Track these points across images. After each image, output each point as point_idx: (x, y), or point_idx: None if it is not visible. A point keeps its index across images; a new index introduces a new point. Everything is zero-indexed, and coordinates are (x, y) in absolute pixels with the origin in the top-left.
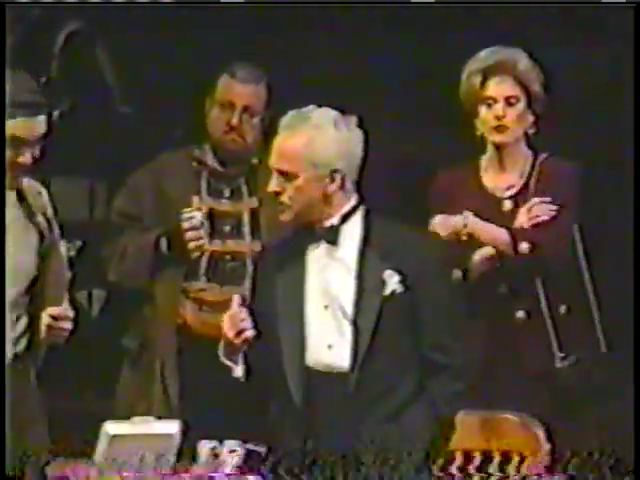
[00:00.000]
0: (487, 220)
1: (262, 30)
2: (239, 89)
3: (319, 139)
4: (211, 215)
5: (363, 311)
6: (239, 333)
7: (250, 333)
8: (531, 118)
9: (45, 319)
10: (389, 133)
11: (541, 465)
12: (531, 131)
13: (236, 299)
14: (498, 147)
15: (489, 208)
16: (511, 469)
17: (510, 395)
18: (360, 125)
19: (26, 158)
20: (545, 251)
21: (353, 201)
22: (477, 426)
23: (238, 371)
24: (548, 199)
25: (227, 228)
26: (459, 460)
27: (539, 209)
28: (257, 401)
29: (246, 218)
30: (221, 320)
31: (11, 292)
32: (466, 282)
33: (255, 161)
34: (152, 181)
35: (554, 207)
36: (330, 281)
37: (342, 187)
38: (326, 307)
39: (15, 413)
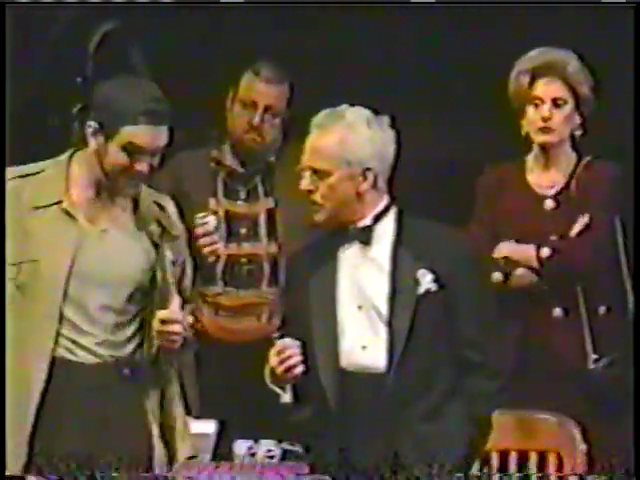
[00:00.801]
0: (529, 218)
1: (287, 29)
2: (262, 88)
3: (352, 137)
4: (227, 217)
5: (397, 311)
6: (288, 369)
7: (300, 370)
8: (578, 120)
9: (156, 325)
10: (432, 133)
11: (578, 466)
12: (578, 133)
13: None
14: (543, 147)
15: (531, 207)
16: (550, 469)
17: (544, 394)
18: (392, 125)
19: (143, 166)
20: (574, 253)
21: (385, 201)
22: (513, 426)
23: (286, 397)
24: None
25: (243, 230)
26: (496, 460)
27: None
28: (279, 404)
29: (262, 220)
30: (238, 324)
31: (112, 297)
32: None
33: (272, 159)
34: (170, 181)
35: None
36: (363, 281)
37: (374, 186)
38: (360, 307)
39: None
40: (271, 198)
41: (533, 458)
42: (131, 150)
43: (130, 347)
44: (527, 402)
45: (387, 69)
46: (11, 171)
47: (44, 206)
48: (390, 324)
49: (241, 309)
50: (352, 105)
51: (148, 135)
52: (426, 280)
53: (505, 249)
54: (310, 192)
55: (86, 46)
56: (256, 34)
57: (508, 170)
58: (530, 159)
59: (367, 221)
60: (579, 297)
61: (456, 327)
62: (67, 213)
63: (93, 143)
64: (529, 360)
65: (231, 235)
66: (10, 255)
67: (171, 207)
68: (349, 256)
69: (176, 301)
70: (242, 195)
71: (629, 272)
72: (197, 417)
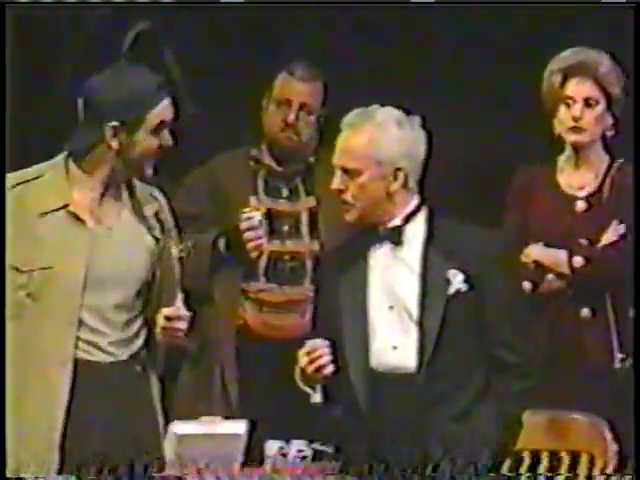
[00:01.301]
0: (559, 220)
1: (321, 29)
2: (297, 87)
3: (383, 137)
4: (269, 215)
5: (428, 311)
6: (318, 369)
7: (330, 370)
8: (610, 121)
9: (160, 321)
10: (464, 134)
11: (610, 466)
12: (609, 133)
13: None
14: (575, 147)
15: (562, 208)
16: (581, 470)
17: (573, 394)
18: (423, 125)
19: (168, 140)
20: (606, 262)
21: (416, 201)
22: (544, 426)
23: (316, 397)
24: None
25: (285, 228)
26: (527, 460)
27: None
28: (310, 404)
29: (304, 218)
30: (282, 321)
31: (123, 294)
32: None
33: (312, 160)
34: (210, 181)
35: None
36: (394, 282)
37: (405, 186)
38: (391, 308)
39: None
40: (312, 197)
41: (565, 459)
42: (160, 130)
43: (138, 343)
44: (555, 401)
45: (419, 69)
46: (11, 178)
47: (51, 211)
48: (420, 324)
49: (285, 305)
50: (383, 105)
51: (169, 107)
52: (457, 280)
53: (534, 252)
54: (341, 191)
55: (119, 46)
56: (290, 34)
57: (538, 171)
58: (562, 160)
59: (397, 221)
60: (607, 299)
61: (487, 327)
62: (74, 216)
63: (115, 143)
64: (557, 359)
65: (273, 232)
66: (19, 263)
67: (163, 200)
68: (380, 256)
69: (180, 297)
70: (284, 193)
71: None
72: (237, 416)
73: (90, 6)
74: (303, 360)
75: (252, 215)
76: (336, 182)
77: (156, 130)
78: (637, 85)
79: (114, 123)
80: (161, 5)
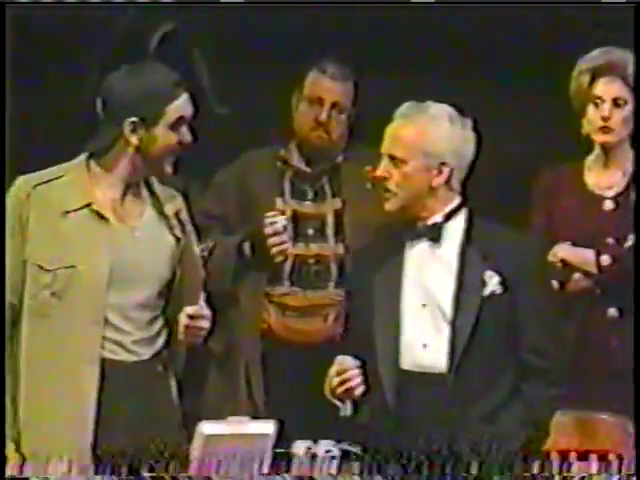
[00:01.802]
0: (586, 219)
1: (352, 27)
2: (329, 85)
3: (434, 130)
4: (294, 217)
5: (462, 311)
6: (348, 390)
7: (360, 391)
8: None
9: (183, 319)
10: (492, 134)
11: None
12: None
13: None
14: (604, 147)
15: (590, 207)
16: (611, 470)
17: (600, 394)
18: (475, 128)
19: (188, 137)
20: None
21: (457, 200)
22: (572, 426)
23: (346, 411)
24: None
25: (310, 231)
26: (556, 461)
27: None
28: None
29: (330, 220)
30: (304, 325)
31: (146, 293)
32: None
33: (340, 159)
34: (237, 181)
35: None
36: (429, 280)
37: (448, 182)
38: (424, 306)
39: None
40: (338, 199)
41: (594, 460)
42: (178, 125)
43: (160, 342)
44: (583, 401)
45: (447, 68)
46: (32, 178)
47: (74, 210)
48: (453, 323)
49: (308, 309)
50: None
51: (187, 103)
52: (493, 282)
53: (562, 252)
54: (384, 179)
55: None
56: (320, 32)
57: (565, 171)
58: (590, 159)
59: (437, 218)
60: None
61: (519, 331)
62: (98, 214)
63: (135, 139)
64: (585, 359)
65: (299, 235)
66: (44, 262)
67: (181, 201)
68: (416, 253)
69: (203, 296)
70: (309, 195)
71: None
72: (255, 417)
73: (90, 6)
74: (334, 381)
75: (276, 220)
76: (381, 169)
77: (175, 125)
78: (637, 85)
79: (133, 119)
80: (189, 5)
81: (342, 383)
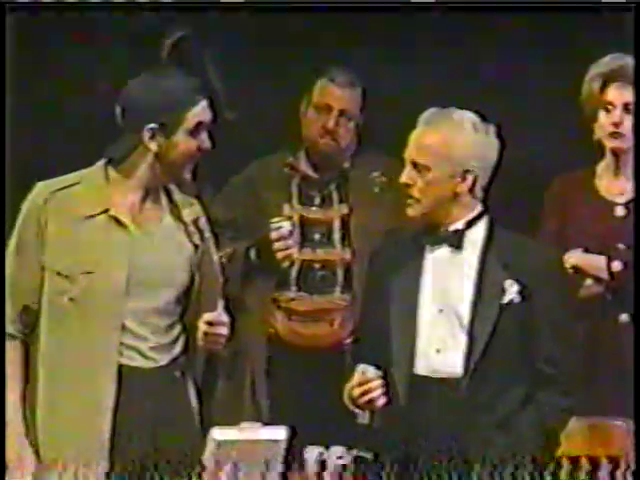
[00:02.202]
0: (598, 225)
1: (360, 34)
2: (337, 93)
3: (458, 137)
4: (301, 223)
5: (480, 318)
6: (370, 402)
7: (381, 402)
8: None
9: (201, 326)
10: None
11: None
12: None
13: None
14: (615, 153)
15: (601, 213)
16: (620, 476)
17: (612, 399)
18: (499, 134)
19: (207, 143)
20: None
21: (479, 208)
22: (584, 432)
23: (364, 419)
24: None
25: (317, 236)
26: (566, 466)
27: None
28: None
29: (336, 226)
30: (311, 329)
31: (163, 299)
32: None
33: (347, 166)
34: (246, 188)
35: None
36: (448, 285)
37: (471, 189)
38: (440, 311)
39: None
40: (345, 204)
41: (605, 465)
42: (198, 131)
43: (177, 348)
44: (595, 407)
45: (459, 75)
46: (50, 184)
47: (92, 215)
48: (471, 329)
49: (314, 314)
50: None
51: (207, 109)
52: (512, 290)
53: (574, 258)
54: (407, 186)
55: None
56: (328, 39)
57: (577, 178)
58: (601, 166)
59: (459, 225)
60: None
61: (535, 340)
62: (116, 220)
63: (154, 145)
64: (596, 364)
65: (305, 241)
66: (61, 268)
67: (199, 208)
68: (436, 258)
69: (221, 303)
70: (316, 201)
71: None
72: (267, 423)
73: (90, 6)
74: (355, 391)
75: (282, 225)
76: (404, 176)
77: (194, 132)
78: (637, 85)
79: (152, 125)
80: (199, 10)
81: (364, 393)
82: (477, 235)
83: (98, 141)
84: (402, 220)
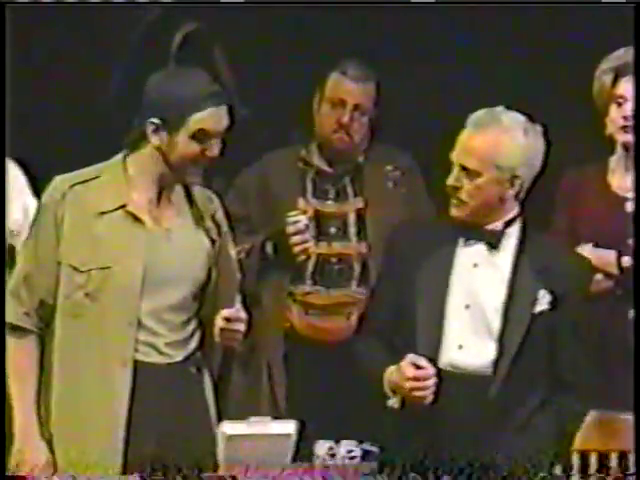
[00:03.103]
0: (608, 220)
1: (372, 28)
2: (350, 87)
3: (507, 143)
4: (317, 217)
5: (511, 324)
6: (420, 397)
7: (430, 400)
8: None
9: (219, 322)
10: None
11: None
12: None
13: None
14: (626, 147)
15: (613, 208)
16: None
17: (622, 394)
18: (545, 134)
19: (214, 151)
20: None
21: (517, 209)
22: (594, 426)
23: (395, 403)
24: None
25: (333, 230)
26: (577, 461)
27: None
28: (368, 401)
29: (352, 219)
30: (327, 323)
31: (180, 295)
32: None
33: (361, 160)
34: (258, 181)
35: None
36: (478, 282)
37: (518, 194)
38: (467, 307)
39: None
40: (360, 198)
41: (614, 459)
42: (201, 137)
43: (193, 344)
44: (605, 402)
45: (467, 68)
46: (68, 178)
47: (109, 211)
48: (502, 334)
49: (330, 308)
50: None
51: (216, 117)
52: (544, 301)
53: (584, 253)
54: (455, 189)
55: (168, 47)
56: (340, 34)
57: (588, 172)
58: (613, 160)
59: (498, 225)
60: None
61: (557, 346)
62: (133, 216)
63: (156, 140)
64: (606, 359)
65: (321, 234)
66: (78, 263)
67: (218, 203)
68: (471, 255)
69: (239, 299)
70: (331, 195)
71: None
72: (277, 417)
73: (90, 6)
74: (407, 383)
75: (298, 219)
76: (452, 179)
77: (197, 136)
78: (637, 85)
79: (154, 120)
80: (210, 5)
81: (417, 389)
82: (512, 236)
83: (98, 141)
84: (435, 216)
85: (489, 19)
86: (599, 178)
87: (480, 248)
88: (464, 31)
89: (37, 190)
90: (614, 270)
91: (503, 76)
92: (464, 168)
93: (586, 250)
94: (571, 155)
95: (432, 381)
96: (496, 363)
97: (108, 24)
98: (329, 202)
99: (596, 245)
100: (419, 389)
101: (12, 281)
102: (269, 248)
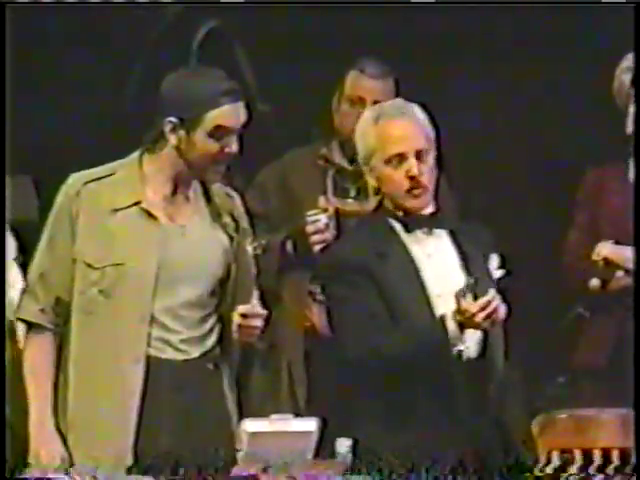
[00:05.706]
0: (630, 218)
1: (390, 26)
2: (369, 84)
3: (425, 123)
4: (337, 215)
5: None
6: (490, 315)
7: (503, 310)
8: None
9: (236, 318)
10: (534, 134)
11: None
12: None
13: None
14: None
15: (632, 206)
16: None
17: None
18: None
19: (232, 148)
20: None
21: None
22: (573, 425)
23: (468, 348)
24: None
25: None
26: (556, 460)
27: None
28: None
29: None
30: None
31: (196, 292)
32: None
33: None
34: (279, 179)
35: None
36: (439, 269)
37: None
38: (439, 296)
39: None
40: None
41: (597, 457)
42: (219, 134)
43: (211, 341)
44: (621, 399)
45: (483, 66)
46: (84, 175)
47: (123, 208)
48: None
49: None
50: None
51: (233, 114)
52: (494, 265)
53: (605, 250)
54: (413, 178)
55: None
56: (358, 31)
57: (609, 171)
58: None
59: (431, 208)
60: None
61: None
62: (147, 212)
63: (174, 139)
64: (625, 357)
65: (341, 233)
66: (92, 259)
67: (238, 200)
68: (420, 243)
69: (256, 295)
70: (352, 193)
71: None
72: (298, 415)
73: (90, 6)
74: (472, 307)
75: (318, 217)
76: (414, 169)
77: (214, 134)
78: (637, 84)
79: (172, 119)
80: (230, 4)
81: (484, 309)
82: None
83: (98, 141)
84: None
85: (489, 19)
86: (619, 176)
87: (422, 235)
88: (482, 29)
89: (41, 194)
90: (632, 266)
91: (503, 76)
92: (418, 153)
93: (607, 247)
94: (592, 155)
95: (495, 303)
96: (484, 345)
97: (108, 24)
98: (350, 200)
99: (616, 242)
100: (486, 307)
101: (28, 279)
102: (289, 246)
